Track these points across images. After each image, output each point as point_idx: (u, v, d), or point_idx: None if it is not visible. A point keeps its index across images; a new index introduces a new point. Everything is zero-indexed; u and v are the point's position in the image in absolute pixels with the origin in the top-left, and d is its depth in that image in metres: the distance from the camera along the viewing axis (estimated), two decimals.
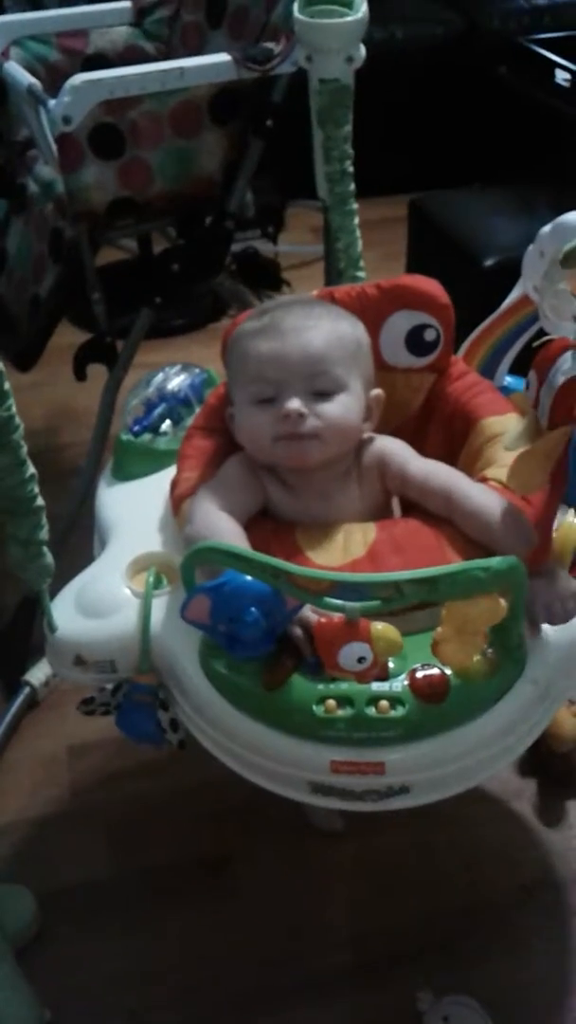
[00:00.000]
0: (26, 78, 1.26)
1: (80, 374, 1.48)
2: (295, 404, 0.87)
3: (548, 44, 2.35)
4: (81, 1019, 1.07)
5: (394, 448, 0.94)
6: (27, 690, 1.40)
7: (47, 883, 1.18)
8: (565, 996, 1.08)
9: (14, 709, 1.38)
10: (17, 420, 0.77)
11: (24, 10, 1.81)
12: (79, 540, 1.06)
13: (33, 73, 1.32)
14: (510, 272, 1.06)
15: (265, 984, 1.10)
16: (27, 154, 1.51)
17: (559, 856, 1.22)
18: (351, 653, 0.73)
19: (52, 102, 1.20)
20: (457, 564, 0.72)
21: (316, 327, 0.89)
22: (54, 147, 1.23)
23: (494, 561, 0.72)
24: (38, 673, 1.42)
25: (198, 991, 1.09)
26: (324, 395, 0.88)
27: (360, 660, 0.73)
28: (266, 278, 1.88)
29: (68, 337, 1.61)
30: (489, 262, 1.84)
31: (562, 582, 0.81)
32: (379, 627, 0.74)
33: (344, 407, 0.89)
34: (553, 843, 1.24)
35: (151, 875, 1.21)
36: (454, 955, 1.12)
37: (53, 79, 1.40)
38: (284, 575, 0.71)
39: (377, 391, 0.95)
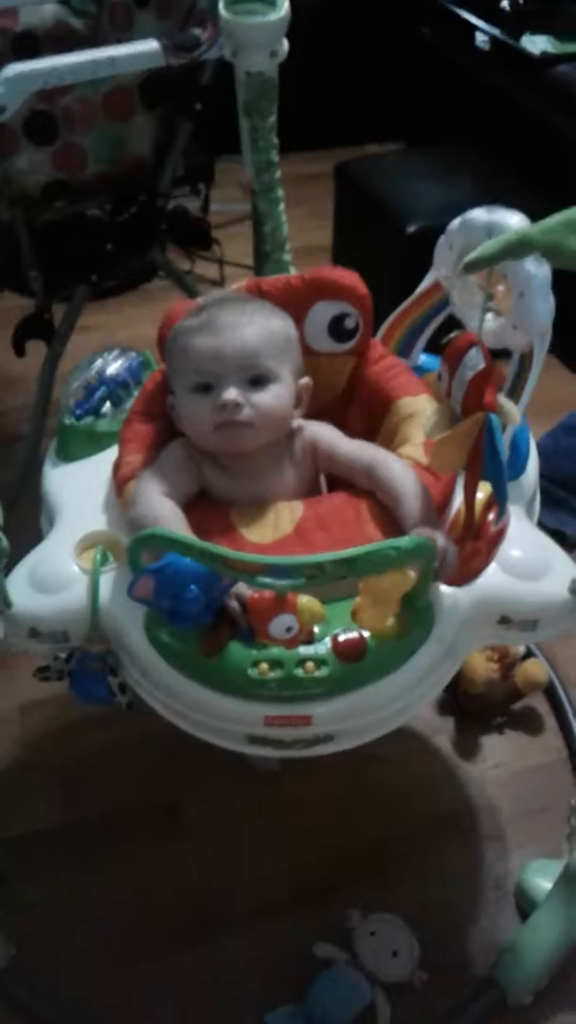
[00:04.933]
0: None
1: (19, 350, 1.52)
2: (231, 394, 0.93)
3: (469, 4, 2.38)
4: (43, 955, 1.15)
5: (323, 432, 1.02)
6: None
7: (5, 832, 1.26)
8: (477, 910, 1.21)
9: None
10: None
11: None
12: (26, 507, 1.09)
13: None
14: (431, 238, 1.12)
15: (213, 914, 1.20)
16: None
17: (475, 786, 1.34)
18: (280, 624, 0.82)
19: None
20: (372, 545, 0.81)
21: (250, 323, 0.96)
22: None
23: (403, 541, 0.81)
24: None
25: (151, 925, 1.18)
26: (258, 386, 0.95)
27: (288, 630, 0.82)
28: (196, 237, 1.91)
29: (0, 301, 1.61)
30: (411, 228, 1.91)
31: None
32: (304, 600, 0.83)
33: (276, 396, 0.96)
34: (469, 774, 1.36)
35: (103, 821, 1.29)
36: (382, 878, 1.23)
37: None
38: (220, 559, 0.80)
39: (305, 379, 1.02)
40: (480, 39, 2.29)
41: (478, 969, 1.14)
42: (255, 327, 0.96)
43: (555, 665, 1.46)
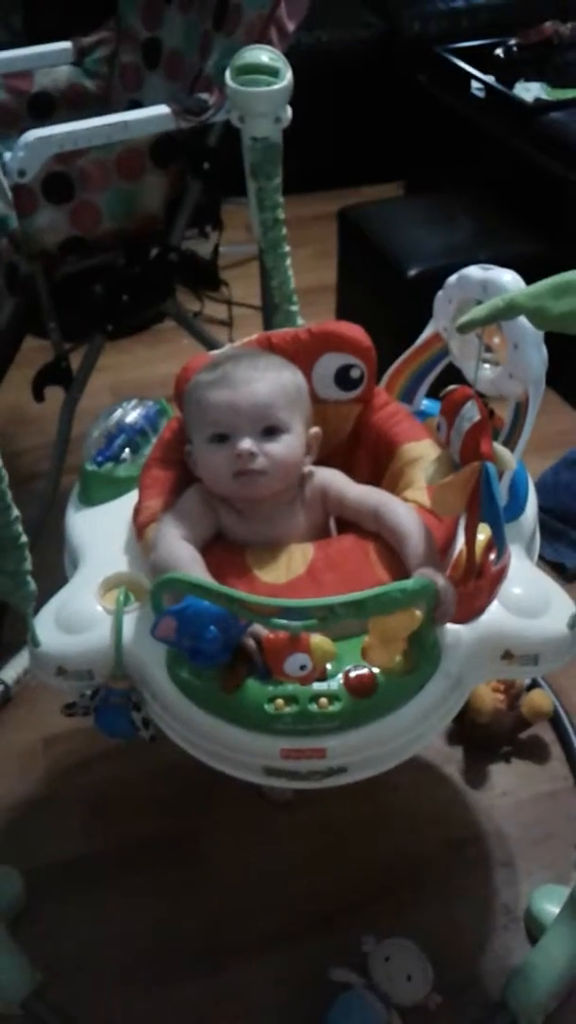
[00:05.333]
0: None
1: (39, 397, 1.58)
2: (247, 444, 0.99)
3: (465, 53, 2.45)
4: (66, 981, 1.19)
5: (333, 477, 1.08)
6: (0, 688, 1.50)
7: (31, 862, 1.29)
8: (487, 934, 1.24)
9: None
10: (2, 472, 0.88)
11: None
12: (49, 550, 1.13)
13: None
14: (432, 281, 1.17)
15: (230, 940, 1.23)
16: None
17: (483, 813, 1.38)
18: (294, 662, 0.87)
19: (7, 155, 1.30)
20: (379, 587, 0.85)
21: (263, 378, 1.01)
22: (9, 193, 1.33)
23: (409, 583, 0.86)
24: (10, 671, 1.52)
25: (170, 952, 1.22)
26: (271, 436, 1.01)
27: (302, 667, 0.87)
28: (205, 279, 1.98)
29: None
30: (413, 272, 1.97)
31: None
32: (317, 639, 0.87)
33: (288, 446, 1.01)
34: (478, 801, 1.39)
35: (124, 850, 1.33)
36: (394, 903, 1.26)
37: (1, 117, 1.50)
38: (237, 602, 0.85)
39: (315, 429, 1.07)
40: (475, 87, 2.36)
41: (490, 992, 1.17)
42: (268, 381, 1.01)
43: (560, 695, 1.50)
